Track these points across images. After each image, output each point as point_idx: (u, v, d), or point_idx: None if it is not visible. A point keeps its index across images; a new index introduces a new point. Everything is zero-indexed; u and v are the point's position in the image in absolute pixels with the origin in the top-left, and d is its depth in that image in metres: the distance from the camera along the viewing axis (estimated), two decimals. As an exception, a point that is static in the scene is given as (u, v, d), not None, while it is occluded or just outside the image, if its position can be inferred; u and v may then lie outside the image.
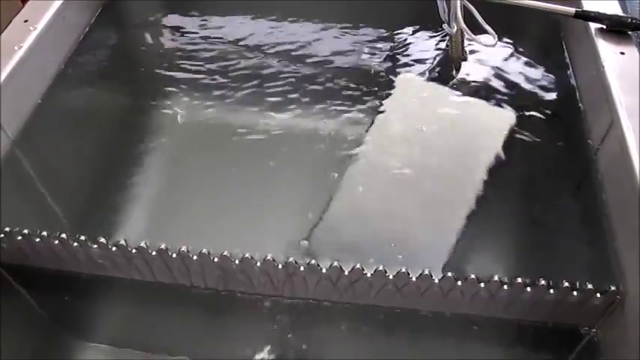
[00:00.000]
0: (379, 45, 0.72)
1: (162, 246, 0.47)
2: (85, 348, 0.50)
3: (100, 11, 0.73)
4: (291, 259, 0.46)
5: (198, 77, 0.69)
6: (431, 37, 0.73)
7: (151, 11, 0.77)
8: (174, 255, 0.47)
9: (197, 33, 0.75)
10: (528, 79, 0.67)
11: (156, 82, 0.69)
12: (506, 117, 0.64)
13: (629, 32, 0.60)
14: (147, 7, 0.77)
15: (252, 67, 0.70)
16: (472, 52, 0.70)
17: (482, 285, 0.45)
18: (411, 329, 0.50)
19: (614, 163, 0.52)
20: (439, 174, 0.59)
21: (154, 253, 0.47)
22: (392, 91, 0.67)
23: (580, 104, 0.62)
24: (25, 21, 0.62)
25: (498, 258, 0.54)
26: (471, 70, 0.69)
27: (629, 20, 0.59)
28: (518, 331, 0.49)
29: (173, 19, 0.77)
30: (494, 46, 0.68)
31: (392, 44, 0.72)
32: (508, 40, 0.71)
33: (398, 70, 0.69)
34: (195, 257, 0.47)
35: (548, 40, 0.71)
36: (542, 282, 0.45)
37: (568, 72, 0.66)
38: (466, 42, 0.70)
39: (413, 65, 0.70)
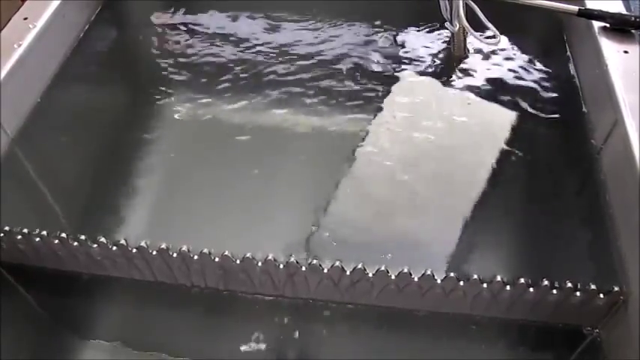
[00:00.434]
0: (380, 43, 0.72)
1: (163, 245, 0.47)
2: (85, 347, 0.50)
3: (99, 9, 0.73)
4: (292, 259, 0.46)
5: (198, 76, 0.69)
6: (432, 35, 0.73)
7: (150, 9, 0.77)
8: (174, 255, 0.47)
9: (197, 31, 0.74)
10: (530, 78, 0.67)
11: (156, 81, 0.69)
12: (508, 116, 0.64)
13: (633, 31, 0.59)
14: (146, 5, 0.77)
15: (252, 65, 0.70)
16: (474, 50, 0.70)
17: (484, 285, 0.45)
18: (413, 329, 0.50)
19: (617, 163, 0.52)
20: (440, 173, 0.59)
21: (154, 252, 0.47)
22: (393, 90, 0.66)
23: (583, 103, 0.62)
24: (25, 19, 0.62)
25: (500, 258, 0.53)
26: (473, 69, 0.69)
27: (633, 19, 0.59)
28: (520, 331, 0.49)
29: (173, 18, 0.76)
30: (496, 44, 0.67)
31: (393, 43, 0.72)
32: (510, 39, 0.71)
33: (399, 68, 0.69)
34: (195, 257, 0.47)
35: (550, 39, 0.70)
36: (545, 282, 0.44)
37: (571, 71, 0.66)
38: (468, 40, 0.69)
39: (414, 64, 0.69)
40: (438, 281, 0.45)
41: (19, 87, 0.58)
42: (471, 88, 0.66)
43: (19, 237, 0.48)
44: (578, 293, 0.44)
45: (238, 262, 0.46)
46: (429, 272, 0.45)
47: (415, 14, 0.74)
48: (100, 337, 0.50)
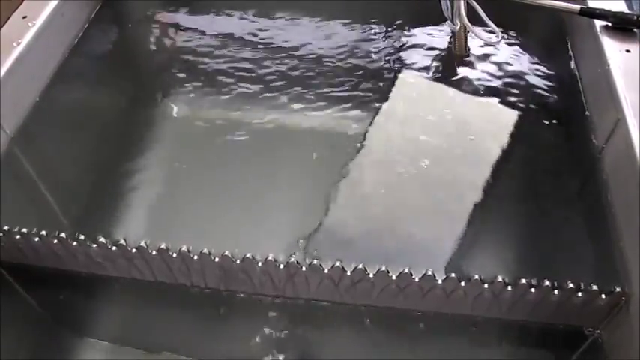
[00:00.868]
0: (380, 43, 0.72)
1: (163, 245, 0.46)
2: (85, 347, 0.50)
3: (99, 8, 0.73)
4: (292, 259, 0.46)
5: (198, 75, 0.69)
6: (433, 34, 0.72)
7: (150, 8, 0.77)
8: (174, 254, 0.47)
9: (196, 30, 0.74)
10: (532, 77, 0.67)
11: (155, 80, 0.69)
12: (509, 115, 0.63)
13: (635, 30, 0.59)
14: (146, 4, 0.77)
15: (252, 65, 0.70)
16: (475, 49, 0.70)
17: (485, 286, 0.45)
18: (413, 330, 0.50)
19: (619, 163, 0.52)
20: (441, 173, 0.59)
21: (154, 252, 0.47)
22: (393, 90, 0.66)
23: (584, 102, 0.61)
24: (24, 17, 0.61)
25: (501, 258, 0.53)
26: (474, 68, 0.68)
27: (635, 18, 0.59)
28: (521, 331, 0.49)
29: (172, 17, 0.76)
30: (497, 43, 0.67)
31: (393, 42, 0.72)
32: (512, 37, 0.71)
33: (399, 68, 0.69)
34: (195, 257, 0.47)
35: (552, 38, 0.70)
36: (547, 283, 0.44)
37: (572, 70, 0.65)
38: (469, 39, 0.69)
39: (415, 63, 0.69)
40: (439, 281, 0.45)
41: (18, 86, 0.58)
42: (471, 88, 0.66)
43: (19, 237, 0.48)
44: (579, 294, 0.44)
45: (238, 262, 0.46)
46: (429, 272, 0.45)
47: (416, 13, 0.74)
48: (100, 336, 0.50)
